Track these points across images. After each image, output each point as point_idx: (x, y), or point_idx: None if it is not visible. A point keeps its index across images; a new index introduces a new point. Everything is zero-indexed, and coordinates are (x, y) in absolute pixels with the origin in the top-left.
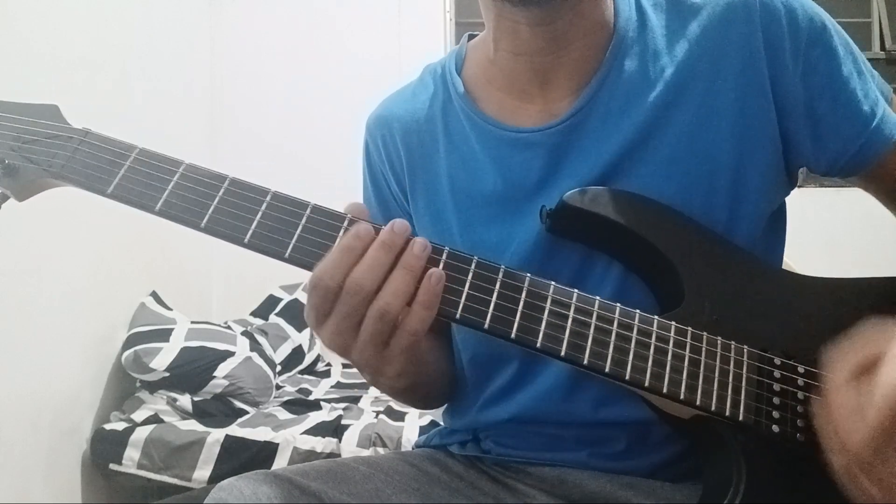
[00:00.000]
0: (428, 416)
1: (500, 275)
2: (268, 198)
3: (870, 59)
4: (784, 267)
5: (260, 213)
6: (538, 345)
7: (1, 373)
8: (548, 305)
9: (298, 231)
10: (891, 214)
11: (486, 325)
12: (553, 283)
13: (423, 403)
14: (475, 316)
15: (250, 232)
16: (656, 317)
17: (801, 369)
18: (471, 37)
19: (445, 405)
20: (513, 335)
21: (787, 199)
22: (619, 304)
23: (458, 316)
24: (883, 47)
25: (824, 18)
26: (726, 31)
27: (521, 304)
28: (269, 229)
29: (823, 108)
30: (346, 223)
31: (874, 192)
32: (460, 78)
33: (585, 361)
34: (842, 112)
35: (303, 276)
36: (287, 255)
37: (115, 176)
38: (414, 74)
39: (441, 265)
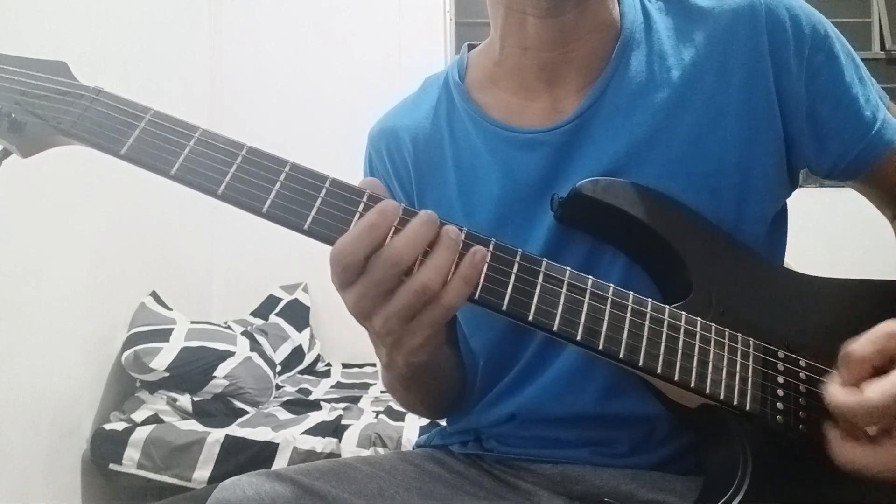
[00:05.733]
0: None
1: (518, 258)
2: (286, 168)
3: (870, 59)
4: (785, 266)
5: (278, 184)
6: (555, 328)
7: (1, 373)
8: (564, 290)
9: (318, 203)
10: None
11: (504, 307)
12: (569, 268)
13: (426, 406)
14: (494, 297)
15: (269, 201)
16: (668, 306)
17: (803, 363)
18: (470, 47)
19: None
20: (530, 317)
21: (788, 200)
22: (632, 293)
23: (476, 296)
24: (883, 47)
25: (827, 26)
26: (732, 36)
27: (539, 287)
28: (287, 200)
29: (826, 111)
30: (365, 198)
31: (871, 196)
32: (464, 85)
33: (601, 346)
34: (844, 116)
35: (303, 276)
36: (306, 227)
37: (129, 136)
38: (414, 75)
39: (459, 246)
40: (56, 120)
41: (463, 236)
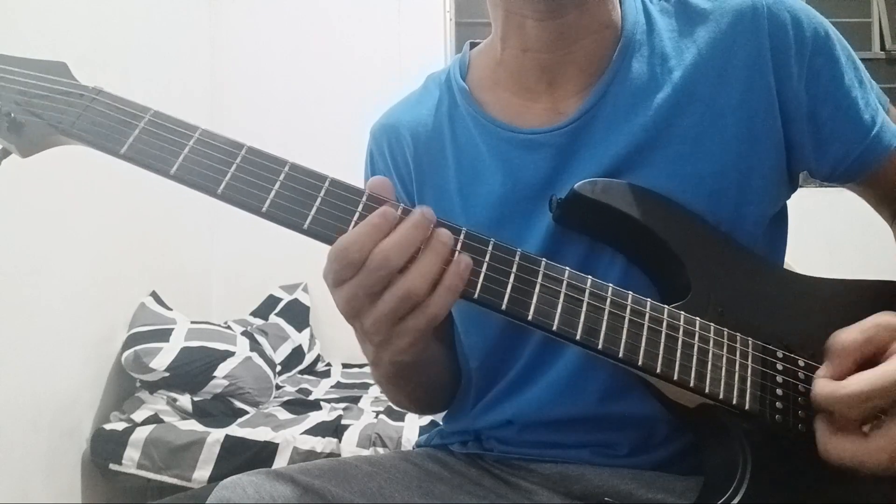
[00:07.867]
0: (428, 416)
1: (517, 257)
2: (286, 168)
3: (870, 59)
4: (785, 266)
5: (278, 183)
6: (554, 327)
7: (1, 373)
8: (563, 290)
9: (317, 203)
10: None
11: (503, 306)
12: (568, 268)
13: (412, 401)
14: (493, 297)
15: (269, 201)
16: (667, 306)
17: (801, 363)
18: (472, 45)
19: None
20: (529, 317)
21: (788, 200)
22: (631, 292)
23: (476, 296)
24: (883, 47)
25: (828, 29)
26: (734, 37)
27: (538, 286)
28: (287, 199)
29: (826, 114)
30: (364, 198)
31: (869, 199)
32: (465, 83)
33: (600, 346)
34: (843, 119)
35: (303, 276)
36: (306, 226)
37: (128, 136)
38: (414, 74)
39: (459, 245)
40: (55, 119)
41: (462, 237)
